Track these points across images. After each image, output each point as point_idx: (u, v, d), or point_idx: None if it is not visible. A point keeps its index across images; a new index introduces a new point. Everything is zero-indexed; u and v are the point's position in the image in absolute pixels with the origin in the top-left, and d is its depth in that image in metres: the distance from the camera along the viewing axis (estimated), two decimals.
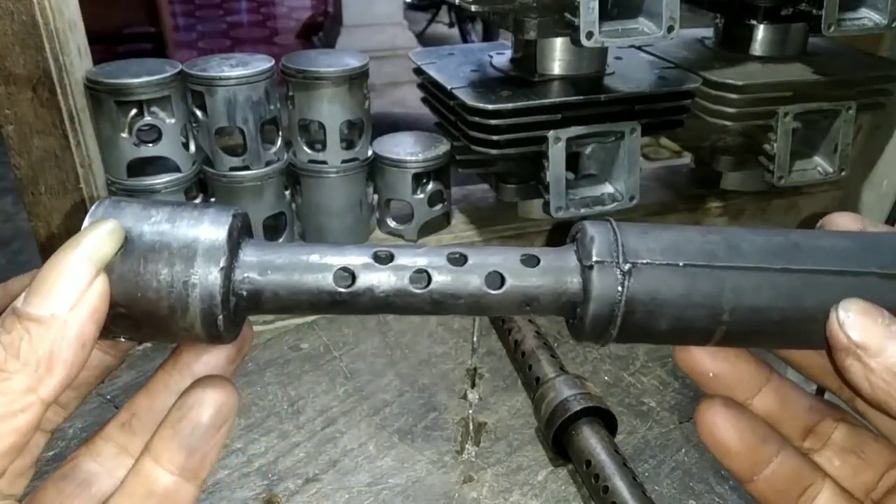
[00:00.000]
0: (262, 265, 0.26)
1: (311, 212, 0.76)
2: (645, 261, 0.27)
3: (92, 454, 0.29)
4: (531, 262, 0.27)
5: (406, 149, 0.76)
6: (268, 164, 0.73)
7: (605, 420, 0.58)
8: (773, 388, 0.31)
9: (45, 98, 0.61)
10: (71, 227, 0.66)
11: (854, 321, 0.26)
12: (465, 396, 0.66)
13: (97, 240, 0.24)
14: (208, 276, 0.25)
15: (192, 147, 0.72)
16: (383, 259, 0.27)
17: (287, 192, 0.77)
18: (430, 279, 0.26)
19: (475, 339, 0.73)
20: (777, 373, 0.32)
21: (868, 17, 0.67)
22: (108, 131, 0.68)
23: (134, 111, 0.67)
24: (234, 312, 0.26)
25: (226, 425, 0.27)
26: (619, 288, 0.26)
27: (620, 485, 0.52)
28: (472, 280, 0.27)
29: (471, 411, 0.64)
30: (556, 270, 0.27)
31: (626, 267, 0.26)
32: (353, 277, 0.26)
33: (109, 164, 0.70)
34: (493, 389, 0.67)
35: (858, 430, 0.31)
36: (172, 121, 0.69)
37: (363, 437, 0.61)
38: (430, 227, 0.79)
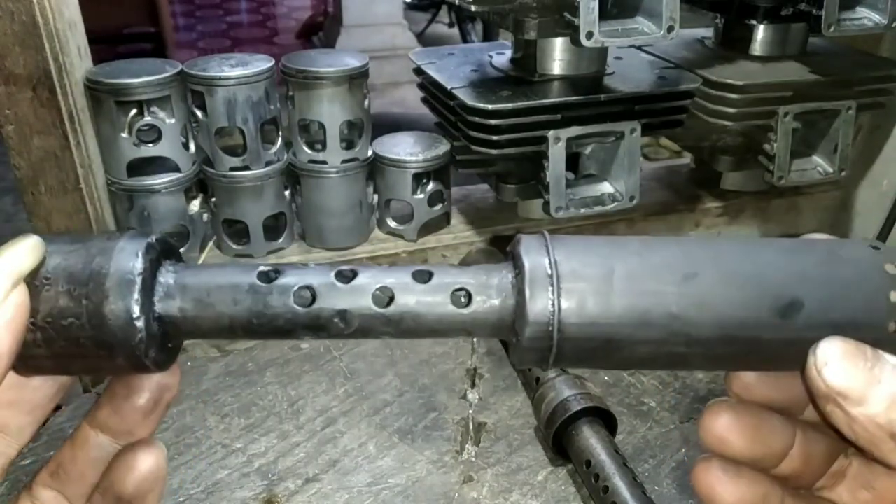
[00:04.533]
0: (181, 290, 0.25)
1: (311, 212, 0.76)
2: (579, 284, 0.25)
3: (32, 498, 0.29)
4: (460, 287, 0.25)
5: (406, 149, 0.76)
6: (268, 164, 0.73)
7: (605, 420, 0.58)
8: (798, 446, 0.29)
9: (45, 98, 0.61)
10: (71, 227, 0.66)
11: (833, 368, 0.24)
12: (465, 396, 0.66)
13: (16, 253, 0.24)
14: (123, 303, 0.24)
15: (192, 147, 0.72)
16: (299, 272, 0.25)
17: (287, 192, 0.77)
18: (344, 313, 0.25)
19: (475, 339, 0.73)
20: (800, 422, 0.29)
21: (868, 17, 0.67)
22: (108, 131, 0.68)
23: (134, 111, 0.67)
24: (157, 340, 0.25)
25: (152, 493, 0.27)
26: (552, 310, 0.24)
27: (620, 484, 0.52)
28: (405, 300, 0.25)
29: (471, 411, 0.64)
30: (491, 290, 0.25)
31: (559, 289, 0.24)
32: (272, 282, 0.25)
33: (109, 164, 0.70)
34: (493, 389, 0.67)
35: (870, 463, 0.29)
36: (172, 121, 0.69)
37: (363, 437, 0.61)
38: (430, 227, 0.79)
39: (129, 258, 0.25)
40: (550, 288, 0.24)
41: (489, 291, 0.25)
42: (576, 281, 0.25)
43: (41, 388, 0.27)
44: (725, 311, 0.25)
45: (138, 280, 0.24)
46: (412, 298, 0.25)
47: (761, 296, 0.25)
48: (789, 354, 0.25)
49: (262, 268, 0.26)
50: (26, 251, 0.24)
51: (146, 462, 0.27)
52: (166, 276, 0.26)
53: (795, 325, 0.25)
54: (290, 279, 0.25)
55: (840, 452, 0.29)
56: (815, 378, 0.24)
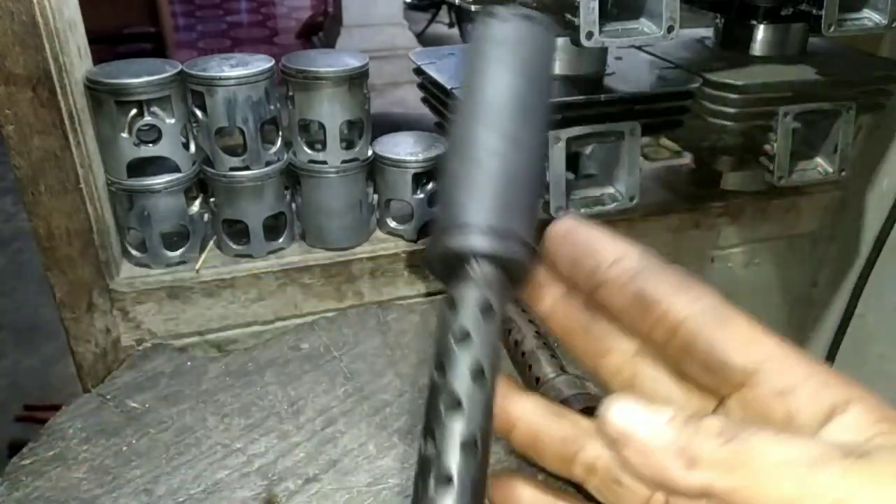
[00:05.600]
0: None
1: (311, 212, 0.76)
2: None
3: None
4: None
5: (406, 149, 0.76)
6: (268, 164, 0.73)
7: None
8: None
9: (45, 98, 0.61)
10: (71, 227, 0.66)
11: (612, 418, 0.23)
12: None
13: None
14: None
15: (192, 147, 0.72)
16: None
17: (287, 192, 0.77)
18: None
19: None
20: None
21: (868, 17, 0.67)
22: (108, 131, 0.68)
23: (134, 111, 0.67)
24: None
25: None
26: None
27: None
28: None
29: None
30: None
31: None
32: None
33: (109, 164, 0.70)
34: None
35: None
36: (172, 121, 0.69)
37: (363, 437, 0.61)
38: (430, 227, 0.79)
39: None
40: None
41: None
42: None
43: None
44: None
45: None
46: None
47: None
48: None
49: None
50: None
51: None
52: None
53: None
54: None
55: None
56: (601, 435, 0.24)
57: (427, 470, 0.23)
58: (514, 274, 0.26)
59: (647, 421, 0.23)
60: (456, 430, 0.24)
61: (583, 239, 0.29)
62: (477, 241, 0.25)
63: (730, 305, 0.26)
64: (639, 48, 0.81)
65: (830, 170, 0.77)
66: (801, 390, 0.23)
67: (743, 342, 0.24)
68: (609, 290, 0.27)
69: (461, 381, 0.24)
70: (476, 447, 0.24)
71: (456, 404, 0.24)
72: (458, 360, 0.24)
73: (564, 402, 0.58)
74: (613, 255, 0.28)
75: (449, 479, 0.23)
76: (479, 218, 0.25)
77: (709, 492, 0.22)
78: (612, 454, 0.24)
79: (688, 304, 0.25)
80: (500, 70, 0.27)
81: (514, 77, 0.27)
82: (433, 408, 0.24)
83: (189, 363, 0.69)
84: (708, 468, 0.22)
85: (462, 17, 3.10)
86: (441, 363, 0.25)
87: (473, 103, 0.26)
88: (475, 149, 0.26)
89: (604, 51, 0.73)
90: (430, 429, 0.24)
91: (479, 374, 0.24)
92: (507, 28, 0.27)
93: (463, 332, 0.24)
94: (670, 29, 0.60)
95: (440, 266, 0.26)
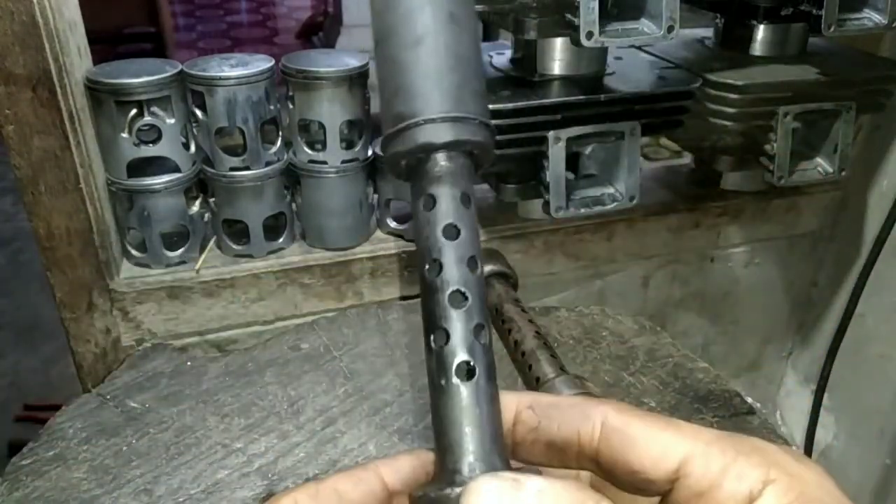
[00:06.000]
0: None
1: (311, 212, 0.76)
2: None
3: None
4: None
5: None
6: (268, 164, 0.73)
7: None
8: None
9: (45, 98, 0.61)
10: (71, 227, 0.66)
11: None
12: None
13: None
14: None
15: (192, 147, 0.72)
16: None
17: (287, 192, 0.77)
18: None
19: None
20: None
21: (868, 17, 0.67)
22: (108, 131, 0.68)
23: (134, 111, 0.67)
24: None
25: None
26: None
27: None
28: None
29: None
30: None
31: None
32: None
33: (109, 164, 0.70)
34: None
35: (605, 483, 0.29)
36: (172, 121, 0.69)
37: (363, 437, 0.61)
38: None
39: None
40: None
41: None
42: None
43: None
44: None
45: None
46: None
47: None
48: None
49: None
50: None
51: None
52: None
53: None
54: None
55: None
56: None
57: (445, 364, 0.24)
58: (479, 158, 0.26)
59: None
60: (467, 320, 0.24)
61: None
62: (442, 132, 0.24)
63: (631, 414, 0.26)
64: (639, 48, 0.81)
65: (830, 170, 0.77)
66: (722, 484, 0.24)
67: (657, 453, 0.25)
68: (525, 447, 0.27)
69: (461, 274, 0.24)
70: (486, 333, 0.24)
71: (461, 296, 0.24)
72: (453, 254, 0.24)
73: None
74: (512, 413, 0.27)
75: (469, 367, 0.24)
76: (438, 106, 0.24)
77: None
78: None
79: (593, 433, 0.26)
80: None
81: None
82: (437, 304, 0.24)
83: (189, 363, 0.69)
84: None
85: None
86: (435, 260, 0.25)
87: None
88: (415, 29, 0.25)
89: (604, 51, 0.73)
90: (438, 325, 0.24)
91: (474, 265, 0.25)
92: None
93: (451, 228, 0.24)
94: (670, 29, 0.60)
95: (405, 163, 0.25)
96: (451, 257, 0.24)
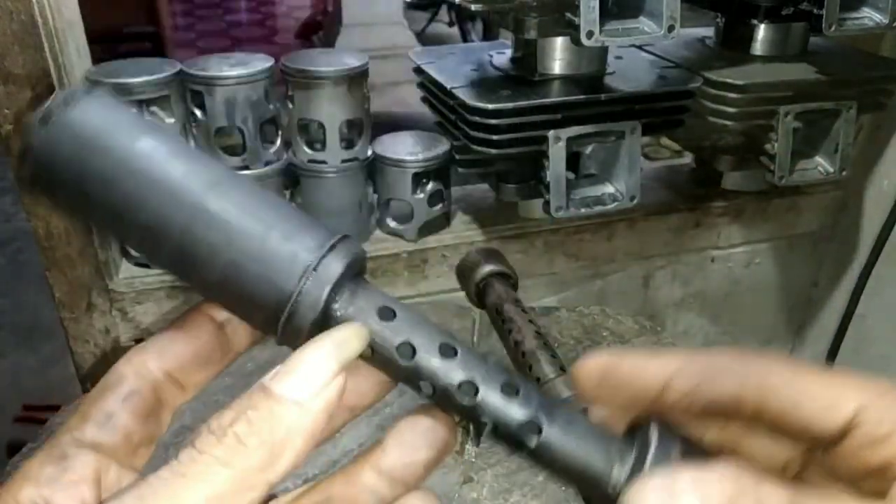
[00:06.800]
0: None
1: (310, 211, 0.76)
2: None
3: None
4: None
5: (406, 148, 0.76)
6: (267, 163, 0.73)
7: None
8: None
9: (44, 97, 0.61)
10: (70, 227, 0.66)
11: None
12: None
13: (350, 343, 0.24)
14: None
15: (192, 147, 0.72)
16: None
17: (287, 192, 0.77)
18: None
19: (475, 339, 0.73)
20: None
21: (869, 16, 0.67)
22: None
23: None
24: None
25: None
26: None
27: None
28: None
29: None
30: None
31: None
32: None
33: None
34: None
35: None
36: (171, 120, 0.69)
37: (363, 437, 0.61)
38: (430, 227, 0.79)
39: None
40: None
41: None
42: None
43: None
44: None
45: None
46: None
47: None
48: None
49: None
50: (353, 338, 0.25)
51: None
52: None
53: None
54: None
55: None
56: None
57: (514, 439, 0.26)
58: (362, 264, 0.27)
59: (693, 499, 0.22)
60: (488, 392, 0.26)
61: (622, 376, 0.28)
62: (331, 278, 0.25)
63: (800, 365, 0.25)
64: (639, 47, 0.81)
65: (831, 169, 0.77)
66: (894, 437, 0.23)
67: (827, 403, 0.24)
68: (676, 412, 0.27)
69: (445, 366, 0.26)
70: (504, 378, 0.27)
71: (469, 385, 0.26)
72: (429, 363, 0.26)
73: (564, 402, 0.58)
74: (660, 379, 0.27)
75: (531, 425, 0.26)
76: (309, 257, 0.25)
77: None
78: None
79: (759, 388, 0.25)
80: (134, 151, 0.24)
81: (146, 145, 0.25)
82: (457, 403, 0.26)
83: None
84: None
85: (462, 17, 3.09)
86: (423, 381, 0.26)
87: (170, 190, 0.24)
88: (218, 219, 0.24)
89: (604, 50, 0.73)
90: (477, 418, 0.26)
91: (446, 350, 0.26)
92: (91, 110, 0.24)
93: (406, 347, 0.26)
94: (671, 28, 0.60)
95: (315, 329, 0.26)
96: (430, 367, 0.26)
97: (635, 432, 0.27)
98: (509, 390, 0.26)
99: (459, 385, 0.26)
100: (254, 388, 0.25)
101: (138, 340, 0.73)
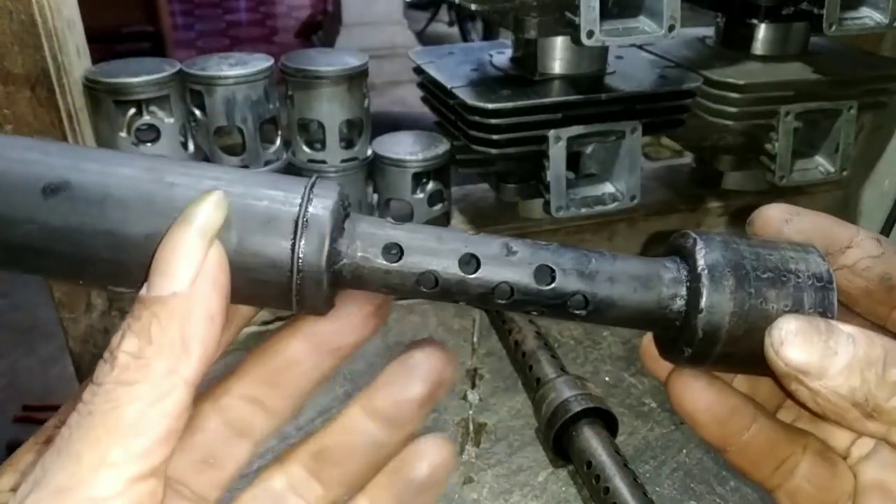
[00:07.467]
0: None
1: None
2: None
3: (283, 473, 0.30)
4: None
5: (406, 148, 0.76)
6: (267, 163, 0.73)
7: (606, 421, 0.58)
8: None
9: (43, 97, 0.61)
10: None
11: (790, 346, 0.24)
12: (465, 397, 0.66)
13: (205, 212, 0.23)
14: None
15: (191, 146, 0.72)
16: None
17: None
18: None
19: (475, 339, 0.73)
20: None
21: (869, 16, 0.67)
22: (106, 131, 0.67)
23: (132, 110, 0.67)
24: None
25: (439, 483, 0.27)
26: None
27: (621, 485, 0.52)
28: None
29: (471, 412, 0.64)
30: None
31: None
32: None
33: None
34: (494, 390, 0.67)
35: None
36: (171, 120, 0.69)
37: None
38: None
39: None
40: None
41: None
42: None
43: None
44: None
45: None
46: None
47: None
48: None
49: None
50: (213, 207, 0.23)
51: (441, 451, 0.28)
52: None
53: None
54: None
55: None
56: (774, 359, 0.24)
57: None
58: (346, 199, 0.26)
59: (823, 359, 0.23)
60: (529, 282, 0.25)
61: (810, 225, 0.28)
62: (324, 236, 0.24)
63: None
64: (640, 47, 0.81)
65: (832, 169, 0.77)
66: None
67: None
68: (849, 273, 0.27)
69: (462, 278, 0.25)
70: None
71: (505, 288, 0.25)
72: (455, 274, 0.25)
73: (565, 402, 0.58)
74: (846, 239, 0.28)
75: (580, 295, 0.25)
76: (292, 216, 0.24)
77: (888, 441, 0.23)
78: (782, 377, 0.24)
79: None
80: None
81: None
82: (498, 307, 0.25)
83: None
84: (889, 423, 0.22)
85: (462, 16, 3.09)
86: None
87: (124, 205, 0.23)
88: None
89: (604, 50, 0.73)
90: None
91: (468, 259, 0.25)
92: None
93: (424, 276, 0.25)
94: (671, 28, 0.60)
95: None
96: (457, 284, 0.25)
97: (675, 249, 0.27)
98: (543, 275, 0.25)
99: (493, 290, 0.25)
100: (134, 304, 0.23)
101: None
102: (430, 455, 0.28)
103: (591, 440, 0.56)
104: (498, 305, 0.25)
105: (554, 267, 0.25)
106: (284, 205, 0.24)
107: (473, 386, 0.67)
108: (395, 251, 0.25)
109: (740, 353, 0.25)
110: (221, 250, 0.23)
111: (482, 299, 0.25)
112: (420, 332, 0.73)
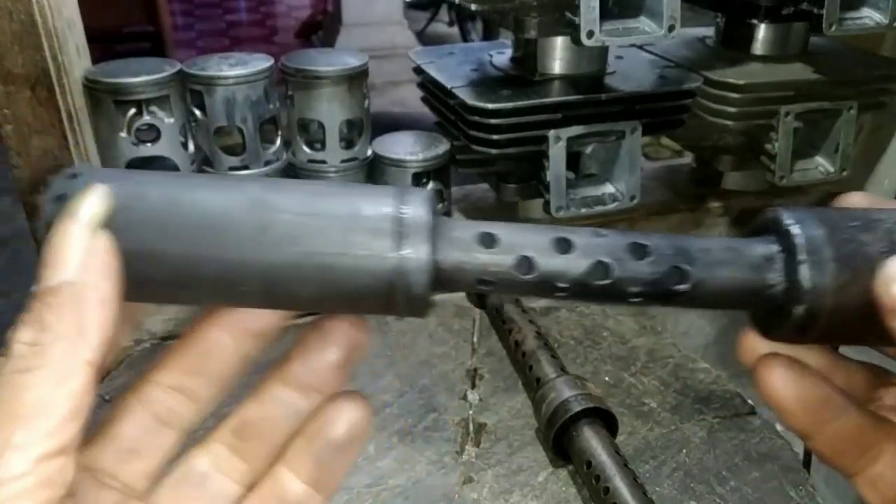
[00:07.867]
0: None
1: None
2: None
3: (206, 453, 0.30)
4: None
5: (406, 148, 0.76)
6: (267, 163, 0.73)
7: (606, 421, 0.58)
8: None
9: (43, 97, 0.61)
10: None
11: None
12: (465, 397, 0.66)
13: (88, 204, 0.24)
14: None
15: (191, 146, 0.72)
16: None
17: None
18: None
19: (475, 339, 0.73)
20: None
21: (869, 16, 0.67)
22: (106, 131, 0.67)
23: (133, 111, 0.67)
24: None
25: (357, 442, 0.27)
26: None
27: (621, 486, 0.52)
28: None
29: (471, 412, 0.64)
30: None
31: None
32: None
33: (108, 164, 0.69)
34: (494, 390, 0.67)
35: None
36: (171, 120, 0.69)
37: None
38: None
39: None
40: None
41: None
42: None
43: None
44: None
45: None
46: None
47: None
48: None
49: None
50: (93, 197, 0.24)
51: (357, 409, 0.28)
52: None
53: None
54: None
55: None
56: (882, 294, 0.24)
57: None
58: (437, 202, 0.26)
59: None
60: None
61: None
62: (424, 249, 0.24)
63: None
64: (640, 47, 0.81)
65: (832, 169, 0.77)
66: None
67: None
68: None
69: (560, 263, 0.24)
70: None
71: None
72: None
73: (565, 402, 0.58)
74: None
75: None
76: (390, 224, 0.24)
77: None
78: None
79: None
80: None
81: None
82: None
83: None
84: None
85: (462, 16, 3.09)
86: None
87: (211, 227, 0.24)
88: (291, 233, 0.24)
89: (604, 50, 0.73)
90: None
91: (562, 244, 0.25)
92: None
93: (520, 261, 0.24)
94: (671, 28, 0.60)
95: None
96: (555, 269, 0.24)
97: (766, 227, 0.27)
98: (638, 254, 0.25)
99: (590, 270, 0.24)
100: (27, 302, 0.24)
101: (139, 341, 0.73)
102: (346, 414, 0.28)
103: (591, 440, 0.56)
104: (596, 290, 0.25)
105: (647, 244, 0.25)
106: (382, 209, 0.24)
107: (473, 386, 0.67)
108: (488, 240, 0.24)
109: (850, 304, 0.25)
110: (109, 238, 0.24)
111: (579, 284, 0.25)
112: (420, 332, 0.73)
